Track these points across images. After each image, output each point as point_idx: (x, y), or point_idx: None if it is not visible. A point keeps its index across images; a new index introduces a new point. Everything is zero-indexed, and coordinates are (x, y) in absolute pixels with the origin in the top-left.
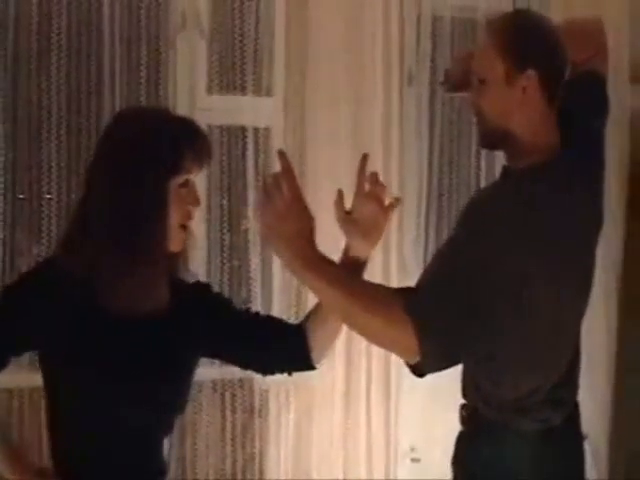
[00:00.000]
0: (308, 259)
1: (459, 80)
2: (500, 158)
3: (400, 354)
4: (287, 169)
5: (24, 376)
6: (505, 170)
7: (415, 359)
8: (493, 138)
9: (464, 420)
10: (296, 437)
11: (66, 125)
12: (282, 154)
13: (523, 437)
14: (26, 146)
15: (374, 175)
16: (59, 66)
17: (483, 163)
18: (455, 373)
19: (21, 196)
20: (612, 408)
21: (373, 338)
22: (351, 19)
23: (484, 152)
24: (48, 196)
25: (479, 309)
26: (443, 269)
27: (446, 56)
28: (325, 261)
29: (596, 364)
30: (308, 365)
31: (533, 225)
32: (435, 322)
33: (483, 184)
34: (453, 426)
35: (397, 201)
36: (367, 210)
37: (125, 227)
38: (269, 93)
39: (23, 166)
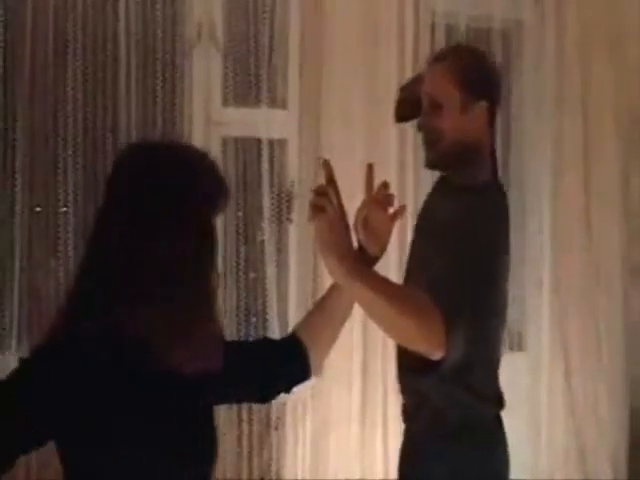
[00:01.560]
0: (354, 268)
1: (411, 108)
2: (514, 167)
3: (428, 350)
4: (331, 179)
5: None
6: (449, 184)
7: (439, 354)
8: (446, 158)
9: (430, 426)
10: (312, 450)
11: (82, 139)
12: (327, 164)
13: (494, 424)
14: (42, 160)
15: (384, 185)
16: (75, 81)
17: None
18: None
19: (37, 209)
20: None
21: (405, 338)
22: (365, 30)
23: (499, 161)
24: (64, 209)
25: (485, 293)
26: (453, 267)
27: None
28: (366, 269)
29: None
30: (306, 377)
31: (503, 230)
32: (461, 309)
33: None
34: None
35: (403, 209)
36: (374, 217)
37: (192, 280)
38: (284, 105)
39: (40, 180)
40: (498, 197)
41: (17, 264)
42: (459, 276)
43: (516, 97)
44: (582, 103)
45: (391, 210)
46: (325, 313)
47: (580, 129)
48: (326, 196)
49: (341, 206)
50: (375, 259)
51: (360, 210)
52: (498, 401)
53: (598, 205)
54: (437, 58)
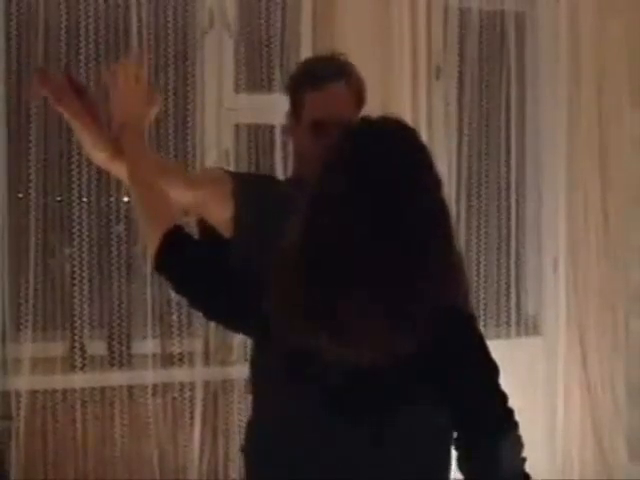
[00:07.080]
0: None
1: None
2: (530, 148)
3: None
4: None
5: (58, 378)
6: None
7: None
8: None
9: None
10: None
11: None
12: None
13: None
14: (57, 150)
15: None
16: (87, 64)
17: (513, 157)
18: None
19: (58, 198)
20: None
21: None
22: (378, 14)
23: (514, 146)
24: (84, 200)
25: None
26: None
27: (474, 48)
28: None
29: None
30: None
31: None
32: None
33: (513, 176)
34: None
35: None
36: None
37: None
38: None
39: (54, 169)
40: None
41: (32, 253)
42: None
43: (531, 78)
44: (597, 82)
45: None
46: None
47: (596, 107)
48: None
49: None
50: None
51: None
52: None
53: (614, 186)
54: (330, 79)
